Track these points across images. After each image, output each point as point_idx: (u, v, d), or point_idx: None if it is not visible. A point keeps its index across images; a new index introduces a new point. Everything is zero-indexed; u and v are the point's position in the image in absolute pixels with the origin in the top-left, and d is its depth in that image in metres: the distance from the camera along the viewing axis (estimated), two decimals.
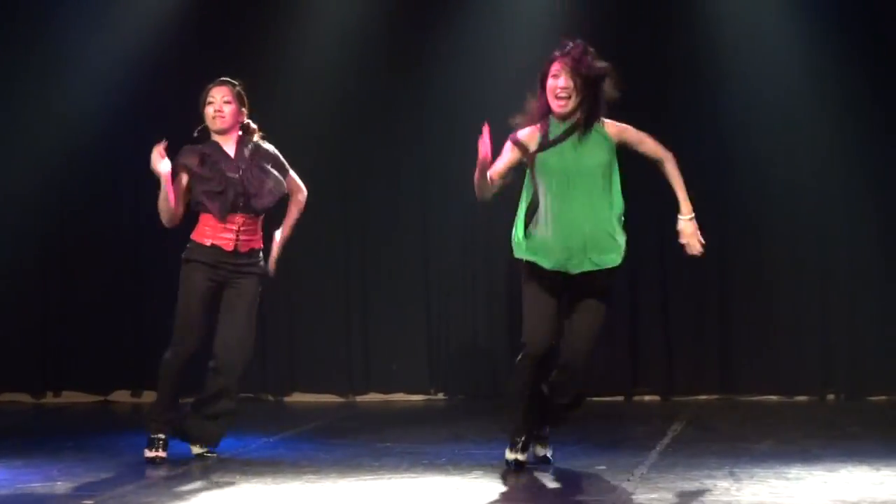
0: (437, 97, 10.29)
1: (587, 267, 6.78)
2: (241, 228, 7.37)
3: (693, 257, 6.86)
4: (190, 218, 7.47)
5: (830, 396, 9.98)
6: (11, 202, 10.40)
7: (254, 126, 7.57)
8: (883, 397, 9.85)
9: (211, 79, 7.54)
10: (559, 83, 6.79)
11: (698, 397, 10.04)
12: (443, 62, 10.25)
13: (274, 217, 7.65)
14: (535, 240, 6.83)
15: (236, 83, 7.51)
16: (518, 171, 6.95)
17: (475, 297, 10.34)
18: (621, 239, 6.84)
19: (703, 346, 10.11)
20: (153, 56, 10.17)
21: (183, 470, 7.17)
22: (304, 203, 7.64)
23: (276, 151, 7.56)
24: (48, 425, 9.44)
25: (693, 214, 6.82)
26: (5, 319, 10.42)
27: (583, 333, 6.86)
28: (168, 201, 7.24)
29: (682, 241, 6.83)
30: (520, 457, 6.99)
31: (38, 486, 6.74)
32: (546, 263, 6.81)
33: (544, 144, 6.82)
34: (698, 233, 6.82)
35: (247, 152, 7.45)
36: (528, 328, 6.89)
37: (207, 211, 7.36)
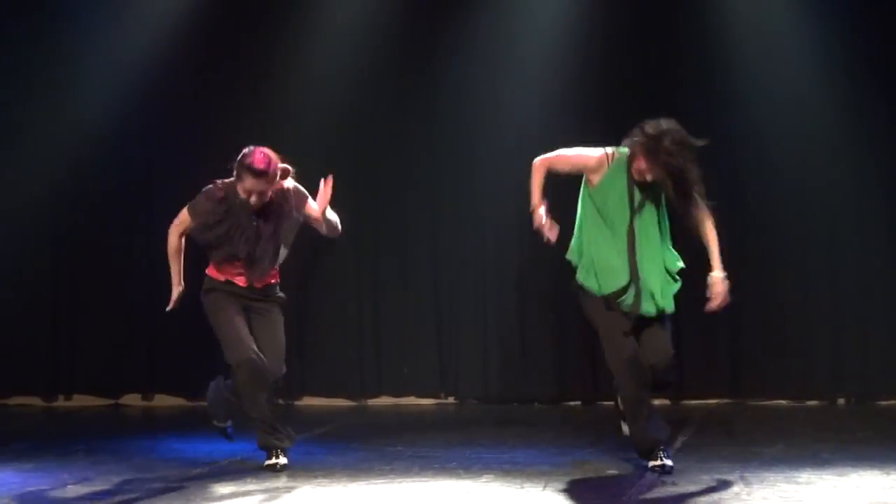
0: (448, 101, 10.29)
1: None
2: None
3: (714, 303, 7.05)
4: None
5: (841, 401, 9.98)
6: (22, 206, 10.41)
7: (287, 168, 7.19)
8: (893, 402, 9.85)
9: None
10: (646, 177, 6.80)
11: (709, 401, 10.05)
12: (453, 66, 10.26)
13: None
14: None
15: (273, 171, 7.04)
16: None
17: (486, 301, 10.33)
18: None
19: (714, 351, 10.11)
20: (164, 60, 10.19)
21: (195, 474, 7.18)
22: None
23: (298, 188, 7.26)
24: (59, 429, 9.46)
25: (725, 274, 6.94)
26: (16, 323, 10.44)
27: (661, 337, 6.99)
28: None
29: (714, 296, 7.00)
30: (669, 462, 6.96)
31: (48, 490, 6.76)
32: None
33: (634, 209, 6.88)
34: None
35: (269, 209, 7.16)
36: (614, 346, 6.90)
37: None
